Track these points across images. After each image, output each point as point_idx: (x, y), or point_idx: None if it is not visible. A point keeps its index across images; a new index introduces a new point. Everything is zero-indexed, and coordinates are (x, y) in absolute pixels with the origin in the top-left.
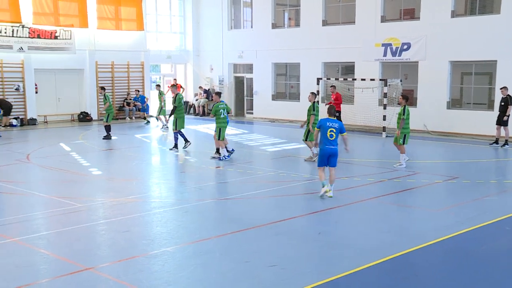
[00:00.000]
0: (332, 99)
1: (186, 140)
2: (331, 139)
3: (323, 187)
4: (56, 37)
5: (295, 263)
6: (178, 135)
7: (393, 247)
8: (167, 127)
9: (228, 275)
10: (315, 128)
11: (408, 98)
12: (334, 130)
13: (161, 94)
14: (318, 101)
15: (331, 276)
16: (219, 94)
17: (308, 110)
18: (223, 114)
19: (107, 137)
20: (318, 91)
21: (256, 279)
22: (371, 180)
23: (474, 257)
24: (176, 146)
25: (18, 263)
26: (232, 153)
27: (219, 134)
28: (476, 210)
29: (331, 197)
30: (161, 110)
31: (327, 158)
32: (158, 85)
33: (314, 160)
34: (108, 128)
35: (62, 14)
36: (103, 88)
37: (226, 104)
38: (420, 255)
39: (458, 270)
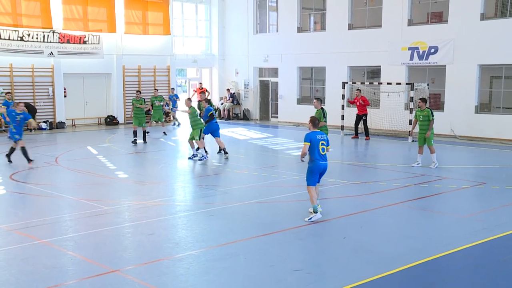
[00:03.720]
0: (356, 102)
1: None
2: (323, 153)
3: (315, 212)
4: (84, 42)
5: (320, 268)
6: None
7: (419, 253)
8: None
9: (253, 279)
10: (304, 143)
11: (427, 100)
12: (325, 143)
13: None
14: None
15: (356, 281)
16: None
17: (319, 117)
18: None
19: (141, 140)
20: (343, 95)
21: (281, 284)
22: (396, 185)
23: (503, 265)
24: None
25: (47, 264)
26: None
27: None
28: (505, 217)
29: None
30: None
31: (319, 175)
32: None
33: None
34: (139, 133)
35: (91, 20)
36: (139, 92)
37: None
38: (447, 261)
39: (486, 278)
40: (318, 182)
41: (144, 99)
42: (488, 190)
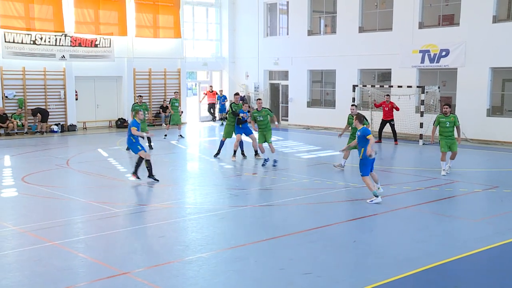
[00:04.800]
0: (384, 107)
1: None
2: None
3: (376, 196)
4: (96, 45)
5: (330, 271)
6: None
7: (430, 257)
8: (181, 136)
9: (263, 282)
10: (368, 136)
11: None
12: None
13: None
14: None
15: (366, 285)
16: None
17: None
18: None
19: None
20: (353, 98)
21: (291, 287)
22: (407, 188)
23: None
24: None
25: (58, 266)
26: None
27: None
28: None
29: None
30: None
31: (371, 165)
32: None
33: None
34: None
35: (103, 23)
36: (140, 96)
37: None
38: (459, 265)
39: (499, 281)
40: (371, 171)
41: (147, 104)
42: (500, 194)
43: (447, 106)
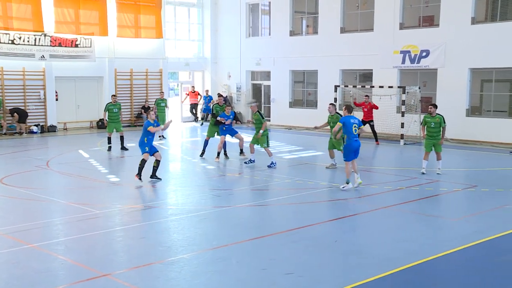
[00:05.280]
0: (364, 107)
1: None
2: (355, 133)
3: (347, 183)
4: (76, 45)
5: (312, 271)
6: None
7: (411, 256)
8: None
9: (245, 282)
10: (338, 123)
11: (437, 106)
12: (357, 125)
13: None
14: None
15: (348, 284)
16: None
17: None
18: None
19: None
20: (335, 99)
21: (273, 287)
22: (388, 188)
23: (494, 267)
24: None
25: (37, 268)
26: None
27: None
28: (495, 219)
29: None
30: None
31: (354, 152)
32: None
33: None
34: (114, 139)
35: (83, 23)
36: (114, 96)
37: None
38: (439, 264)
39: (477, 280)
40: (356, 158)
41: (120, 103)
42: (479, 193)
43: (431, 106)
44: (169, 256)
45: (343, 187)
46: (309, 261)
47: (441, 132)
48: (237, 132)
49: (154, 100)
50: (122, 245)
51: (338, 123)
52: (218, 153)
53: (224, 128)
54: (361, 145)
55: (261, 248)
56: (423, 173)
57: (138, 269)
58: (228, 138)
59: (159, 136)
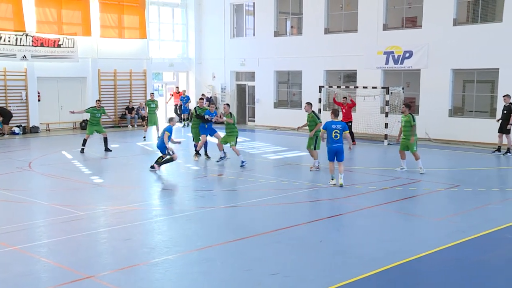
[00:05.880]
0: (342, 108)
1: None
2: (336, 139)
3: (332, 179)
4: (59, 46)
5: (297, 271)
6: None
7: (396, 256)
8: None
9: (230, 283)
10: (322, 130)
11: (411, 106)
12: (339, 131)
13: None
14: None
15: (333, 284)
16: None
17: (313, 120)
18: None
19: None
20: (320, 99)
21: (259, 287)
22: (373, 188)
23: (476, 265)
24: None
25: (20, 271)
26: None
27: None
28: (478, 218)
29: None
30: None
31: (334, 154)
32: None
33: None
34: (91, 142)
35: (66, 23)
36: (99, 101)
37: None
38: (422, 263)
39: (460, 279)
40: (340, 160)
41: (104, 109)
42: (461, 193)
43: (404, 106)
44: (153, 257)
45: (329, 182)
46: (294, 261)
47: (412, 129)
48: (216, 132)
49: (139, 102)
50: (106, 247)
51: (321, 128)
52: (197, 152)
53: (206, 126)
54: (343, 148)
55: (246, 249)
56: (401, 169)
57: (122, 271)
58: (208, 137)
59: (143, 137)
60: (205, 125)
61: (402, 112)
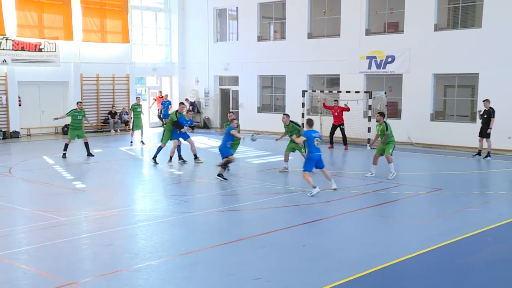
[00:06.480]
0: (333, 112)
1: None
2: (318, 147)
3: (314, 188)
4: (40, 50)
5: (280, 276)
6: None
7: (377, 259)
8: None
9: None
10: (301, 137)
11: (385, 114)
12: (319, 139)
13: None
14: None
15: None
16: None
17: (294, 129)
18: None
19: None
20: (303, 104)
21: None
22: (355, 192)
23: (458, 268)
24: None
25: None
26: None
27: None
28: (459, 222)
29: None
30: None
31: (315, 162)
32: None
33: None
34: (72, 146)
35: (47, 27)
36: (80, 103)
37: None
38: (404, 267)
39: (441, 281)
40: (321, 167)
41: (85, 111)
42: (443, 196)
43: (378, 114)
44: (136, 263)
45: (311, 193)
46: (277, 266)
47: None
48: (189, 137)
49: (122, 107)
50: (88, 253)
51: (301, 137)
52: (171, 157)
53: (178, 132)
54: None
55: (229, 254)
56: (371, 174)
57: (104, 277)
58: (181, 140)
59: (130, 142)
60: (177, 131)
61: (377, 121)
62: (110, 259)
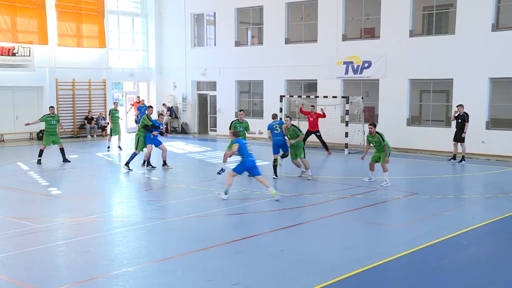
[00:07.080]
0: (309, 117)
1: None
2: (251, 153)
3: (226, 194)
4: (14, 54)
5: (259, 281)
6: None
7: (356, 263)
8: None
9: None
10: (234, 144)
11: (376, 125)
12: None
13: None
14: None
15: None
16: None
17: (295, 133)
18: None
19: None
20: (281, 108)
21: None
22: (333, 196)
23: (434, 271)
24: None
25: None
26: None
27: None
28: (435, 225)
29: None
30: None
31: (248, 169)
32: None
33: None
34: (48, 152)
35: (21, 31)
36: (53, 107)
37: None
38: (382, 270)
39: (419, 284)
40: (257, 174)
41: (59, 116)
42: (419, 200)
43: (371, 126)
44: (113, 269)
45: (218, 193)
46: (256, 271)
47: (384, 149)
48: (161, 143)
49: (99, 112)
50: (64, 260)
51: (234, 144)
52: (144, 162)
53: (151, 137)
54: (256, 163)
55: (207, 259)
56: (369, 179)
57: (80, 284)
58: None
59: (111, 147)
60: (151, 135)
61: (370, 133)
62: (86, 266)
